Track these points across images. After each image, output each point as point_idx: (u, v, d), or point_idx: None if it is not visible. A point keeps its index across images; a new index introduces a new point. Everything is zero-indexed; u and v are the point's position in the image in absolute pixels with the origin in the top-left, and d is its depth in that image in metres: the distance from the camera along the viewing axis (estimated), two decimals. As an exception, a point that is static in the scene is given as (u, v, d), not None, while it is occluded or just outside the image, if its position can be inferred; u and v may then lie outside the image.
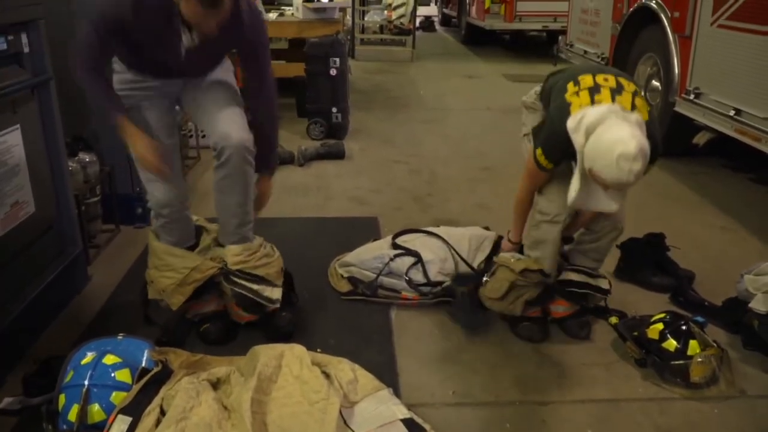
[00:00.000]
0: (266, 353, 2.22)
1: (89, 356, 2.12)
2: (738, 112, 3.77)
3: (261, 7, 6.28)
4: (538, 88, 2.60)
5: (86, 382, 2.02)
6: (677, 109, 4.48)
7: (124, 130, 2.37)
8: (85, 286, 3.03)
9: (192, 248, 2.66)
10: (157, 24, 2.22)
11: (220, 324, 2.61)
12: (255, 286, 2.54)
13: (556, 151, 2.34)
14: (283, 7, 6.98)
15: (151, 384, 2.08)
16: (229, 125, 2.44)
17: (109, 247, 3.45)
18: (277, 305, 2.57)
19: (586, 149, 2.15)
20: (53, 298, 2.75)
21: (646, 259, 3.09)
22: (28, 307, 2.53)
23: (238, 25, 2.30)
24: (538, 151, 2.38)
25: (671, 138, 4.85)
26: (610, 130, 2.11)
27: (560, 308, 2.71)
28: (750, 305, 2.53)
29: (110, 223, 3.57)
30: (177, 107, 2.70)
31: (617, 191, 2.23)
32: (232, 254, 2.55)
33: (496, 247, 3.15)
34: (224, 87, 2.57)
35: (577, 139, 2.19)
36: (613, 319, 2.64)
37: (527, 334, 2.65)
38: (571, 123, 2.21)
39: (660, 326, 2.46)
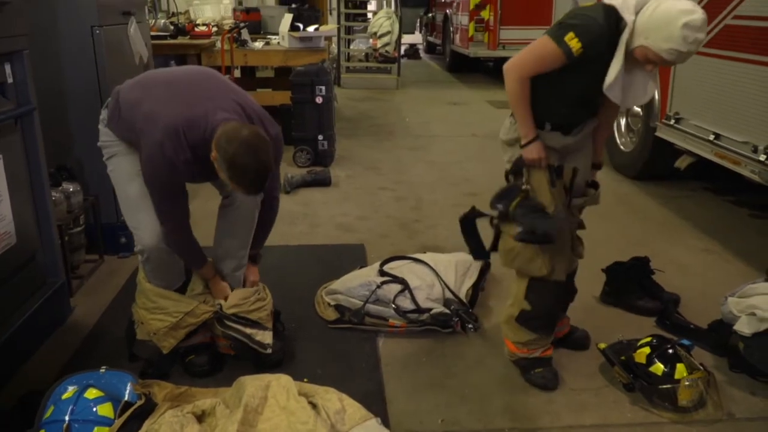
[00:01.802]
0: (252, 384, 2.19)
1: (70, 390, 2.08)
2: (717, 136, 3.82)
3: (247, 36, 6.35)
4: (511, 119, 2.45)
5: (67, 418, 1.98)
6: (658, 134, 4.54)
7: (210, 279, 2.59)
8: (67, 317, 2.99)
9: (181, 288, 2.63)
10: (199, 171, 2.34)
11: (206, 355, 2.58)
12: (248, 330, 2.53)
13: (592, 32, 2.12)
14: (269, 36, 7.04)
15: (134, 418, 2.06)
16: None
17: (92, 277, 3.41)
18: (269, 351, 2.55)
19: (639, 23, 2.07)
20: (34, 330, 2.71)
21: (632, 283, 3.11)
22: (8, 340, 2.49)
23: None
24: (569, 34, 2.12)
25: (653, 162, 4.92)
26: (666, 2, 2.05)
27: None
28: (735, 327, 2.54)
29: (94, 253, 3.54)
30: None
31: (654, 76, 2.20)
32: (231, 297, 2.57)
33: (483, 273, 3.17)
34: None
35: (626, 15, 2.09)
36: (601, 345, 2.64)
37: (541, 382, 2.51)
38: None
39: (647, 350, 2.46)
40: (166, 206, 2.38)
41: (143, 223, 2.44)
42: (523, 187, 2.35)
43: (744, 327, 2.50)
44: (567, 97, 2.29)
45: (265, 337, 2.56)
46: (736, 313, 2.57)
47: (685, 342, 2.51)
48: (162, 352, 2.53)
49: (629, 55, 2.13)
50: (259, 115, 2.40)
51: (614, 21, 2.13)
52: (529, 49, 2.26)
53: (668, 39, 2.02)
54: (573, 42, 2.12)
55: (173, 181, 2.31)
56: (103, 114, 2.52)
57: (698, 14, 2.01)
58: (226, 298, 2.58)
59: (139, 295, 2.59)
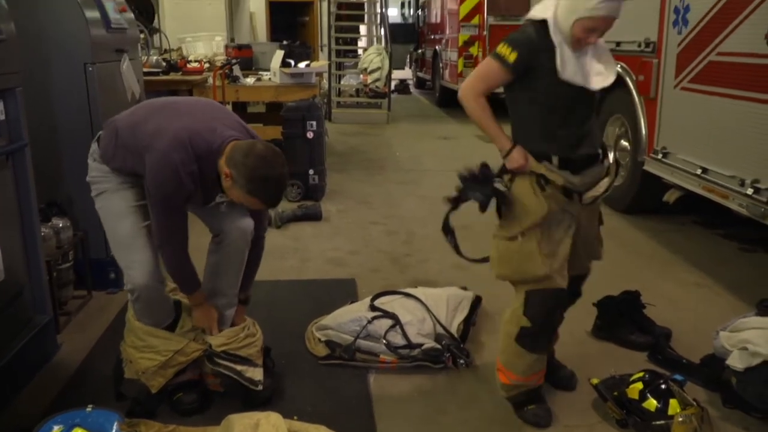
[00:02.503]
0: (241, 422, 2.16)
1: (56, 429, 2.06)
2: (705, 170, 3.87)
3: (238, 72, 6.41)
4: None
5: (53, 457, 1.94)
6: (646, 168, 4.59)
7: (196, 303, 2.54)
8: (54, 354, 2.94)
9: (170, 326, 2.61)
10: (200, 190, 2.34)
11: (194, 393, 2.54)
12: (238, 367, 2.50)
13: (522, 39, 2.22)
14: (260, 72, 7.11)
15: (121, 457, 2.01)
16: (233, 215, 2.53)
17: (80, 313, 3.37)
18: (260, 387, 2.52)
19: (560, 10, 2.16)
20: (20, 368, 2.67)
21: (623, 317, 3.10)
22: (-6, 379, 2.45)
23: None
24: (501, 47, 2.22)
25: (641, 196, 4.96)
26: None
27: None
28: (727, 362, 2.53)
29: (82, 289, 3.50)
30: None
31: (606, 52, 2.26)
32: (217, 338, 2.54)
33: (474, 308, 3.16)
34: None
35: (547, 15, 2.18)
36: (594, 380, 2.63)
37: (534, 420, 2.47)
38: (532, 12, 2.25)
39: (639, 385, 2.45)
40: (169, 221, 2.34)
41: (135, 261, 2.42)
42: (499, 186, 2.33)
43: (736, 362, 2.49)
44: (552, 117, 2.29)
45: (256, 373, 2.53)
46: (728, 348, 2.57)
47: (678, 377, 2.50)
48: (149, 391, 2.49)
49: (574, 42, 2.18)
50: (255, 134, 2.46)
51: (541, 28, 2.21)
52: (475, 71, 2.38)
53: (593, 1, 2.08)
54: (506, 51, 2.22)
55: (177, 194, 2.27)
56: (94, 147, 2.51)
57: None
58: (211, 330, 2.55)
59: (128, 333, 2.56)
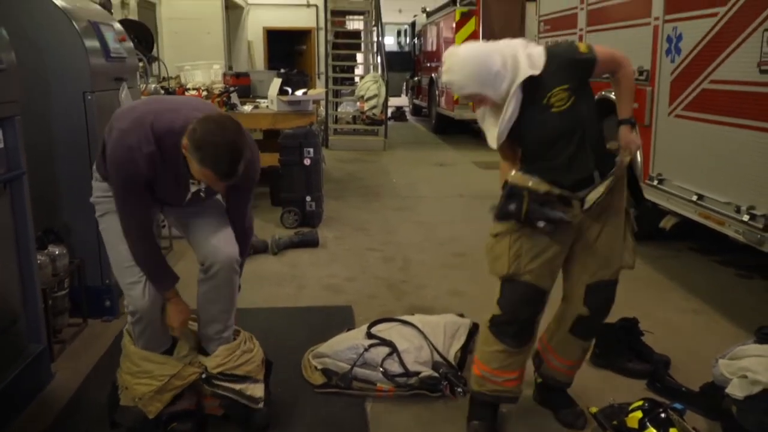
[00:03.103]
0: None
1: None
2: (700, 197, 3.88)
3: (236, 100, 6.45)
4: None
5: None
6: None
7: (170, 300, 2.48)
8: (48, 383, 2.91)
9: (168, 352, 2.58)
10: (169, 177, 2.29)
11: (189, 422, 2.51)
12: (237, 386, 2.48)
13: None
14: (258, 100, 7.16)
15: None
16: (217, 241, 2.48)
17: (75, 341, 3.35)
18: (261, 404, 2.50)
19: None
20: (14, 397, 2.64)
21: (621, 345, 3.09)
22: (-14, 408, 2.42)
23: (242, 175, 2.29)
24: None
25: (637, 222, 4.96)
26: None
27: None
28: (727, 390, 2.51)
29: (77, 317, 3.48)
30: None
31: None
32: (213, 359, 2.51)
33: (472, 335, 3.15)
34: (212, 206, 2.58)
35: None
36: (593, 408, 2.61)
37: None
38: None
39: (639, 414, 2.42)
40: (130, 206, 2.30)
41: (137, 283, 2.41)
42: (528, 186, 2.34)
43: (736, 390, 2.47)
44: (529, 149, 2.39)
45: (256, 390, 2.51)
46: (727, 376, 2.55)
47: (678, 406, 2.48)
48: (144, 419, 2.46)
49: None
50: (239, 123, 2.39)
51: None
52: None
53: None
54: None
55: (135, 177, 2.21)
56: (94, 166, 2.53)
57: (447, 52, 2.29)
58: (182, 322, 2.50)
59: (124, 359, 2.54)
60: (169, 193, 2.40)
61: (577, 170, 2.35)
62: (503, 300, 2.44)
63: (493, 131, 2.33)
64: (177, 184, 2.34)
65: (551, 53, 2.28)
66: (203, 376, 2.49)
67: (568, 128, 2.31)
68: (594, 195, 2.36)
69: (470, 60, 2.22)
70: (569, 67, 2.28)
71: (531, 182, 2.32)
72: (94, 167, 2.54)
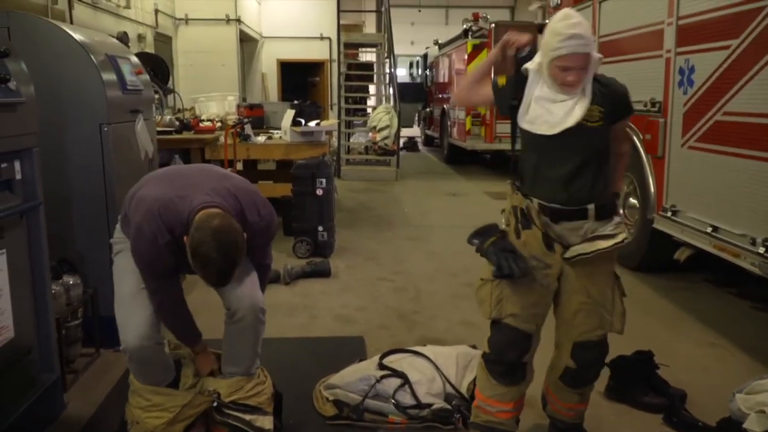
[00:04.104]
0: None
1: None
2: (715, 228, 3.85)
3: (250, 131, 6.52)
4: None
5: None
6: (656, 225, 4.59)
7: (199, 353, 2.61)
8: (60, 413, 2.91)
9: (173, 383, 2.59)
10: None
11: (199, 456, 2.50)
12: (248, 417, 2.49)
13: (512, 77, 2.42)
14: (271, 131, 7.23)
15: None
16: (243, 289, 2.54)
17: (87, 371, 3.35)
18: None
19: (540, 55, 2.30)
20: (27, 427, 2.63)
21: (636, 378, 3.05)
22: (-2, 439, 2.42)
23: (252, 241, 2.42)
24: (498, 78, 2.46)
25: (652, 254, 4.94)
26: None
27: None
28: (744, 426, 2.47)
29: (90, 346, 3.49)
30: None
31: (579, 99, 2.29)
32: (227, 386, 2.53)
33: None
34: None
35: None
36: (607, 443, 2.57)
37: None
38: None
39: (655, 449, 2.39)
40: (157, 285, 2.40)
41: (128, 322, 2.44)
42: (502, 227, 2.45)
43: (754, 425, 2.43)
44: (526, 156, 2.43)
45: (265, 422, 2.51)
46: (745, 411, 2.51)
47: (695, 440, 2.44)
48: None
49: (557, 84, 2.28)
50: (252, 198, 2.46)
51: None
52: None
53: (554, 38, 2.21)
54: (500, 80, 2.47)
55: (157, 262, 2.33)
56: (120, 216, 2.64)
57: (564, 11, 2.27)
58: (212, 373, 2.58)
59: (132, 394, 2.54)
60: (188, 268, 2.48)
61: (574, 190, 2.34)
62: (492, 340, 2.50)
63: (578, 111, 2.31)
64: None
65: (611, 78, 2.42)
66: (215, 404, 2.48)
67: (584, 144, 2.33)
68: (579, 249, 2.36)
69: (586, 23, 2.28)
70: (616, 98, 2.38)
71: (523, 201, 2.39)
72: (119, 221, 2.63)
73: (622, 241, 2.35)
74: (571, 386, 2.54)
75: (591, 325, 2.44)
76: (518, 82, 2.39)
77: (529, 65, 2.36)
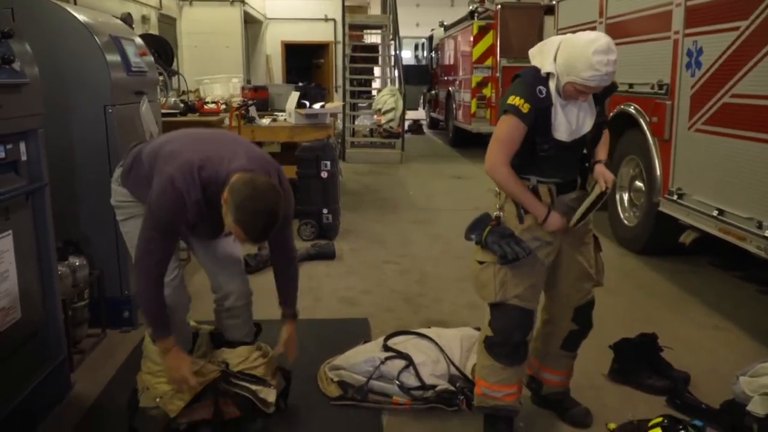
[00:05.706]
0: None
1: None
2: (721, 212, 3.84)
3: (254, 113, 6.50)
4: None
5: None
6: (661, 209, 4.57)
7: (169, 350, 2.38)
8: (67, 393, 2.94)
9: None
10: (207, 220, 2.35)
11: (207, 432, 2.52)
12: (254, 387, 2.53)
13: (526, 89, 2.31)
14: (276, 113, 7.21)
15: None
16: (229, 275, 2.64)
17: (94, 352, 3.38)
18: (271, 410, 2.55)
19: (558, 63, 2.26)
20: (33, 408, 2.66)
21: (640, 361, 3.05)
22: (6, 418, 2.44)
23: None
24: (511, 99, 2.31)
25: (657, 237, 4.92)
26: (575, 37, 2.25)
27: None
28: (748, 408, 2.48)
29: (96, 327, 3.51)
30: None
31: (589, 108, 2.36)
32: (237, 356, 2.59)
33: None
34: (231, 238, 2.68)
35: (548, 66, 2.29)
36: (611, 425, 2.58)
37: None
38: (533, 56, 2.36)
39: (658, 431, 2.40)
40: (154, 244, 2.28)
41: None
42: (495, 214, 2.47)
43: (758, 408, 2.44)
44: (536, 159, 2.41)
45: (269, 394, 2.55)
46: (748, 393, 2.51)
47: (698, 423, 2.45)
48: (162, 426, 2.46)
49: (564, 95, 2.31)
50: (276, 168, 2.46)
51: (540, 77, 2.32)
52: (495, 138, 2.43)
53: (586, 68, 2.18)
54: (517, 101, 2.29)
55: (175, 221, 2.27)
56: (117, 172, 2.60)
57: (603, 39, 2.19)
58: (182, 377, 2.37)
59: (145, 360, 2.56)
60: (203, 232, 2.50)
61: (564, 171, 2.46)
62: (495, 323, 2.49)
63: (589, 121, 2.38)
64: (214, 226, 2.41)
65: None
66: (223, 373, 2.52)
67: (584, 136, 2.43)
68: (579, 212, 2.42)
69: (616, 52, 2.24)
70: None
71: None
72: (116, 175, 2.59)
73: (606, 191, 2.39)
74: (571, 349, 2.69)
75: (588, 287, 2.59)
76: (539, 108, 2.32)
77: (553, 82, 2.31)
